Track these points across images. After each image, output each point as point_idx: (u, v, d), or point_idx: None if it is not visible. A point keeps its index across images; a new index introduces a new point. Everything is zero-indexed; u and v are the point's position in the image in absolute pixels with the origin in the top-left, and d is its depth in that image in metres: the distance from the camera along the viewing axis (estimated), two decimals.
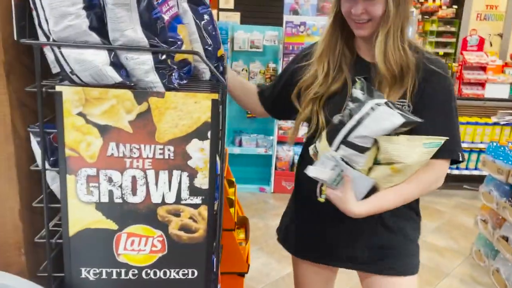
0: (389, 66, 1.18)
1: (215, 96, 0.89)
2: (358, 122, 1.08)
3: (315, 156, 1.20)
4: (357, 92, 1.12)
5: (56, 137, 0.88)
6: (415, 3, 7.65)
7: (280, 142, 4.48)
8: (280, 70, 4.26)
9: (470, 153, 4.57)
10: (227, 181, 2.39)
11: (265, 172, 4.67)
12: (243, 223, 2.49)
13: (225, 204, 1.96)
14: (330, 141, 1.13)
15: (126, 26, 0.83)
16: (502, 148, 2.97)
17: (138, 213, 0.93)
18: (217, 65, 1.13)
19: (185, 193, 0.93)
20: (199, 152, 0.91)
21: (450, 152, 1.21)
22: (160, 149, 0.90)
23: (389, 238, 1.36)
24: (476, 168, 4.52)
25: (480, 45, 4.64)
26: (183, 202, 0.93)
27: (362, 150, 1.09)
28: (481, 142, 4.44)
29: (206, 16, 1.10)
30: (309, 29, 4.27)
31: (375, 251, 1.36)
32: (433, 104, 1.21)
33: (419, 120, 1.10)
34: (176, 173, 0.92)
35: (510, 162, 2.82)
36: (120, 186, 0.91)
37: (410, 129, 1.12)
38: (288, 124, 4.41)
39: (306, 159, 1.31)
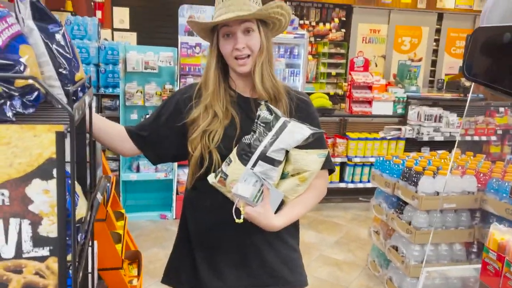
0: (266, 90, 1.35)
1: (60, 127, 0.76)
2: (275, 137, 1.21)
3: (222, 182, 1.23)
4: (264, 113, 1.25)
5: None
6: (308, 26, 8.08)
7: (181, 165, 4.34)
8: None
9: (362, 167, 4.85)
10: (115, 213, 2.20)
11: (166, 197, 4.48)
12: (135, 258, 2.30)
13: (110, 241, 1.78)
14: (245, 160, 1.21)
15: None
16: (387, 162, 3.16)
17: None
18: (75, 91, 0.99)
19: (27, 245, 0.78)
20: (43, 195, 0.77)
21: (329, 163, 1.41)
22: None
23: (281, 252, 1.40)
24: (368, 181, 4.79)
25: (366, 66, 5.00)
26: (25, 255, 0.78)
27: (277, 163, 1.21)
28: (372, 156, 4.73)
29: (58, 36, 0.97)
30: (205, 50, 4.24)
31: (271, 267, 1.39)
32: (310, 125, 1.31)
33: (321, 130, 1.27)
34: (14, 221, 0.76)
35: (395, 175, 3.01)
36: None
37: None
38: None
39: (203, 193, 1.34)
